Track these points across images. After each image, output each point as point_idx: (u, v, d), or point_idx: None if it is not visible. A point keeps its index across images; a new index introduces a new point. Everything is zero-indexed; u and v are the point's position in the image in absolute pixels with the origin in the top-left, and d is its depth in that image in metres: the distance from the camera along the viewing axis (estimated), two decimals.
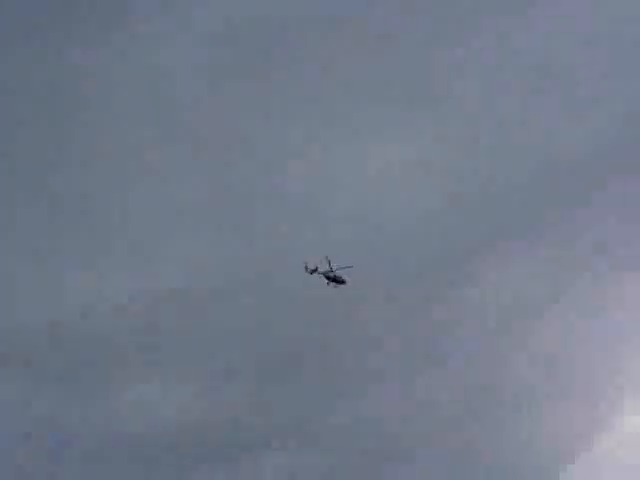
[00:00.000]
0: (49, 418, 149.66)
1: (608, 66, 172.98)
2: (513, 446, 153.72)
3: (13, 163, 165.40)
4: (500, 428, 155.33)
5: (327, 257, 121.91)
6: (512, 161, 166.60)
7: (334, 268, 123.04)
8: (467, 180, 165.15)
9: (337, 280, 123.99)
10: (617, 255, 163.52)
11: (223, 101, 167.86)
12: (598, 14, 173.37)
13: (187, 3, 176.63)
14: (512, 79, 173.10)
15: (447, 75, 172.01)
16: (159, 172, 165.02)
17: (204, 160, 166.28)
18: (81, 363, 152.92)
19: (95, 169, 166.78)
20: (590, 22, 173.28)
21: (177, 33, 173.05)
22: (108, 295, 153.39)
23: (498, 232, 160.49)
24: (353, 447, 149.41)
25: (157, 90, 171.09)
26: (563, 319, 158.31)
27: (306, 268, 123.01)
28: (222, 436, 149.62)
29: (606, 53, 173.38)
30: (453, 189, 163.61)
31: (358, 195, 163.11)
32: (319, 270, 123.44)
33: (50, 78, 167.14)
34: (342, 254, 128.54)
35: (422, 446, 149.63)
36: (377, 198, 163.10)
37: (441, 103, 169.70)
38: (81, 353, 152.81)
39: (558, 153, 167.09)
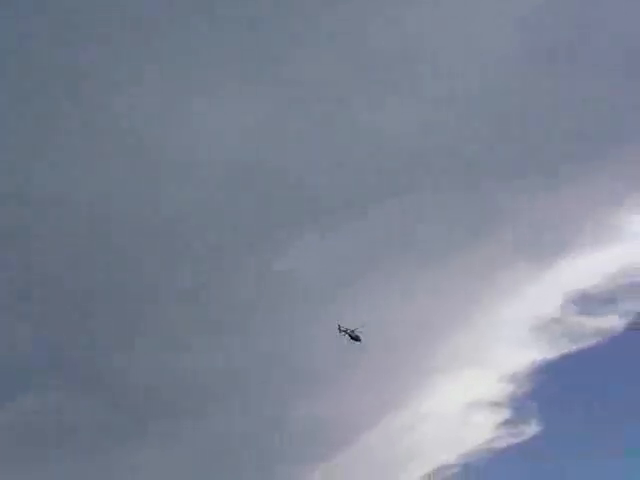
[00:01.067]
0: None
1: None
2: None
3: None
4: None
5: (363, 324, 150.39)
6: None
7: (355, 329, 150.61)
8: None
9: (356, 339, 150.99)
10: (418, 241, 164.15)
11: None
12: None
13: None
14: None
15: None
16: None
17: None
18: None
19: None
20: None
21: None
22: None
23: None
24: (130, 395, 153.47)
25: None
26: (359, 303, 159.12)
27: (339, 327, 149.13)
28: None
29: None
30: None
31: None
32: (347, 330, 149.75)
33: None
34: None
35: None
36: None
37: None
38: None
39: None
